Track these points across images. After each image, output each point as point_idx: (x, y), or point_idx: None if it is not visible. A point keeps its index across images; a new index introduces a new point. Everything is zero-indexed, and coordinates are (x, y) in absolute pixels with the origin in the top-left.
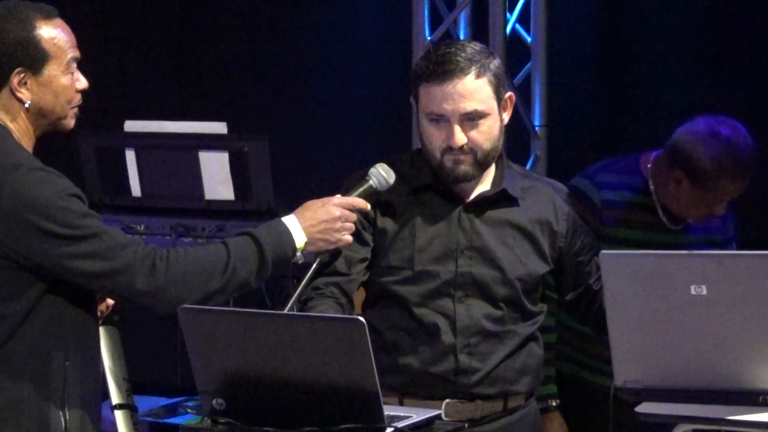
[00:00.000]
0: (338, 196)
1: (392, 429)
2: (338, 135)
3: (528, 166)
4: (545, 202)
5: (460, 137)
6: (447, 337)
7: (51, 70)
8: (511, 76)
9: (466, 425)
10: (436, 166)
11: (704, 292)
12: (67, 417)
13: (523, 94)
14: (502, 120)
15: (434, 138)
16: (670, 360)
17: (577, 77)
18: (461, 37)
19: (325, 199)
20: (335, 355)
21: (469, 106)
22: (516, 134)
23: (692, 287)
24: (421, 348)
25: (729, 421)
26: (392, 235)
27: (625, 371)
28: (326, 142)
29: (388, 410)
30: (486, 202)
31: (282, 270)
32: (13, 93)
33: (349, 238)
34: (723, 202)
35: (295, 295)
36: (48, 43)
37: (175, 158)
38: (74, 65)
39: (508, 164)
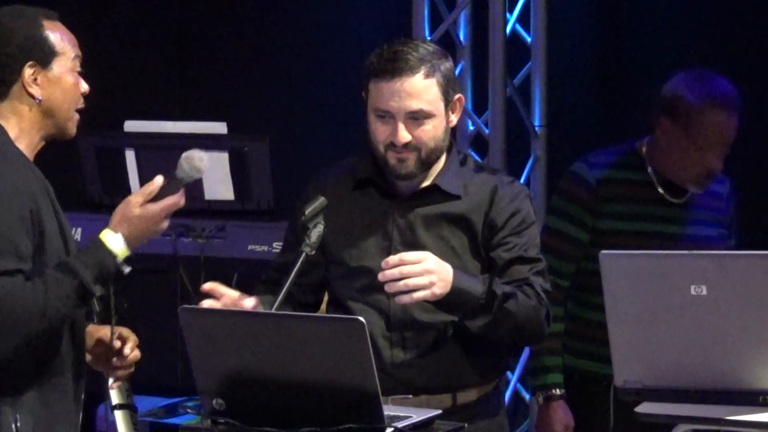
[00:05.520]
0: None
1: (392, 429)
2: (338, 135)
3: (528, 166)
4: (484, 193)
5: (403, 135)
6: (381, 331)
7: (59, 65)
8: (511, 76)
9: (466, 426)
10: (381, 160)
11: (704, 292)
12: None
13: (523, 94)
14: (449, 121)
15: (379, 133)
16: (670, 360)
17: (577, 77)
18: (461, 37)
19: (143, 205)
20: (335, 355)
21: (415, 105)
22: (516, 134)
23: (692, 287)
24: None
25: (729, 421)
26: (335, 231)
27: (625, 371)
28: (326, 142)
29: (388, 410)
30: (420, 197)
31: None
32: (25, 88)
33: (167, 223)
34: (714, 148)
35: (283, 291)
36: (54, 39)
37: (175, 158)
38: (78, 65)
39: (463, 160)
